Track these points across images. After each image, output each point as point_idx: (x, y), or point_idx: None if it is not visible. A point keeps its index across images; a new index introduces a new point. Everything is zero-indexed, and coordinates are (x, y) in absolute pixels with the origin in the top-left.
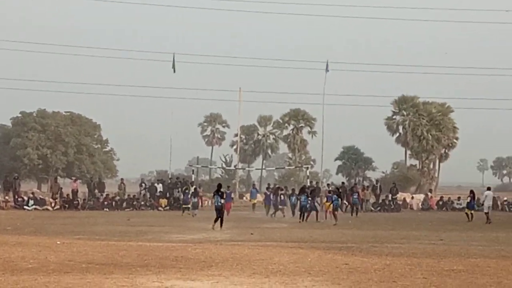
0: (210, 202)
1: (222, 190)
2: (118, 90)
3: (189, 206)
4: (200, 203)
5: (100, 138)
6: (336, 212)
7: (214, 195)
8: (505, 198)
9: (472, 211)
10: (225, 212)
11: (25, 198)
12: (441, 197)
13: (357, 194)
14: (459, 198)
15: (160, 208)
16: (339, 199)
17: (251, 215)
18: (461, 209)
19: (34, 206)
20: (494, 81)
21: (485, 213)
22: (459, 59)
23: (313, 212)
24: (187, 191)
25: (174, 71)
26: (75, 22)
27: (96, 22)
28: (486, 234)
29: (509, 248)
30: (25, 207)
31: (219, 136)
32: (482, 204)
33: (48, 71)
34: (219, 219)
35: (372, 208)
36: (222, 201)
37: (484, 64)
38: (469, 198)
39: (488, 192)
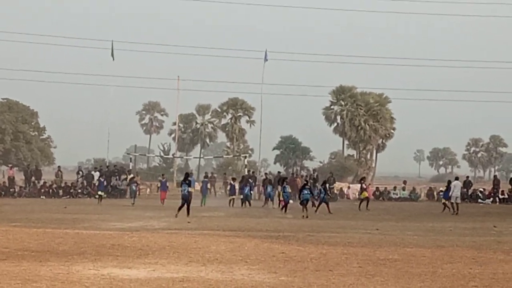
0: (148, 190)
1: (189, 178)
2: (56, 77)
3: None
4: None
5: (37, 126)
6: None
7: (181, 183)
8: (441, 189)
9: (446, 201)
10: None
11: None
12: (377, 187)
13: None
14: (395, 188)
15: (97, 196)
16: (310, 193)
17: None
18: (397, 199)
19: None
20: (431, 73)
21: (455, 203)
22: (397, 50)
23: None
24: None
25: (113, 59)
26: (12, 8)
27: (35, 8)
28: (422, 224)
29: (444, 238)
30: None
31: (157, 124)
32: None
33: None
34: (186, 207)
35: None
36: (190, 189)
37: (421, 55)
38: (445, 188)
39: (456, 182)
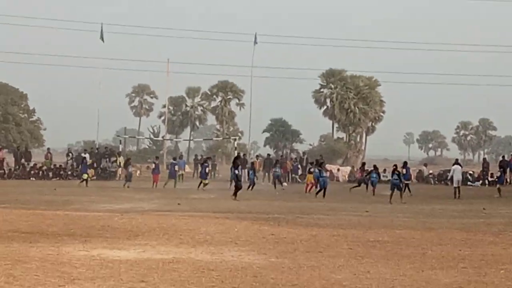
0: (138, 172)
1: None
2: (46, 59)
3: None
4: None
5: (27, 108)
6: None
7: (232, 168)
8: (431, 171)
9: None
10: (154, 184)
11: None
12: (367, 170)
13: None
14: (385, 171)
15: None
16: (379, 176)
17: (178, 185)
18: (387, 182)
19: None
20: (421, 56)
21: (455, 187)
22: (387, 33)
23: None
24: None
25: (103, 41)
26: None
27: None
28: (411, 206)
29: (433, 220)
30: None
31: (147, 107)
32: (451, 179)
33: None
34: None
35: (299, 180)
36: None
37: (411, 39)
38: (499, 172)
39: (456, 166)
